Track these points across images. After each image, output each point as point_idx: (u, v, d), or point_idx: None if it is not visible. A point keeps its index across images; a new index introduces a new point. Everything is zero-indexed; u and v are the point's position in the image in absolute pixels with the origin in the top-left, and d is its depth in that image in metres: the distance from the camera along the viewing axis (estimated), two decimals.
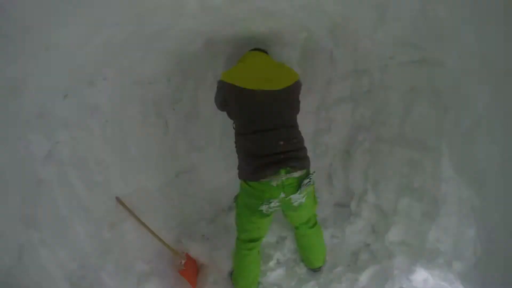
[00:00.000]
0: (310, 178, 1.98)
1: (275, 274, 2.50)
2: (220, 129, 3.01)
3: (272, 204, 1.97)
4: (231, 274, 2.46)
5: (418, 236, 2.25)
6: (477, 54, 1.55)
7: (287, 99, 2.07)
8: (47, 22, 1.54)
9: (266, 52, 2.44)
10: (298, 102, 2.24)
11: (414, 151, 2.34)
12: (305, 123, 3.02)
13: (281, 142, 1.95)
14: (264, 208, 1.98)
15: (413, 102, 2.32)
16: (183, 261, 2.46)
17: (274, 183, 1.91)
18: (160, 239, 2.46)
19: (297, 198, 1.98)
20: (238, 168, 2.12)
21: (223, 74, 2.10)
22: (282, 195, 1.94)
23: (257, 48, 2.44)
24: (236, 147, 2.16)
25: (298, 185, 1.95)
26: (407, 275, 2.23)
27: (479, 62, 1.54)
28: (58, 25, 1.64)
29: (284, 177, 1.91)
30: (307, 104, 3.00)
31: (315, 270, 2.50)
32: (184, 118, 2.94)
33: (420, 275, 2.18)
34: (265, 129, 1.96)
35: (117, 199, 2.44)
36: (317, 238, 2.42)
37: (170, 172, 2.93)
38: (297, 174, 1.95)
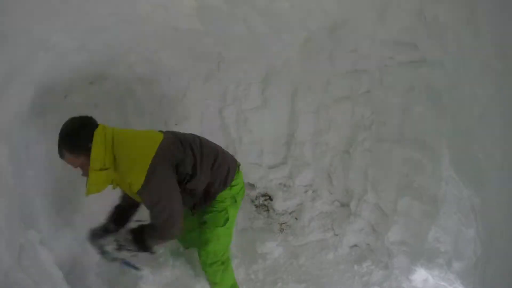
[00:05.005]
0: None
1: None
2: None
3: None
4: None
5: (418, 236, 2.24)
6: (476, 54, 1.55)
7: None
8: (47, 22, 1.54)
9: None
10: None
11: (414, 151, 2.33)
12: (305, 123, 3.04)
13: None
14: None
15: (413, 102, 2.32)
16: None
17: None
18: None
19: None
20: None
21: None
22: None
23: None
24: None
25: None
26: (407, 275, 2.22)
27: (478, 62, 1.54)
28: (58, 25, 1.64)
29: None
30: (307, 104, 3.01)
31: None
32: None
33: (420, 275, 2.18)
34: None
35: None
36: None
37: None
38: None
